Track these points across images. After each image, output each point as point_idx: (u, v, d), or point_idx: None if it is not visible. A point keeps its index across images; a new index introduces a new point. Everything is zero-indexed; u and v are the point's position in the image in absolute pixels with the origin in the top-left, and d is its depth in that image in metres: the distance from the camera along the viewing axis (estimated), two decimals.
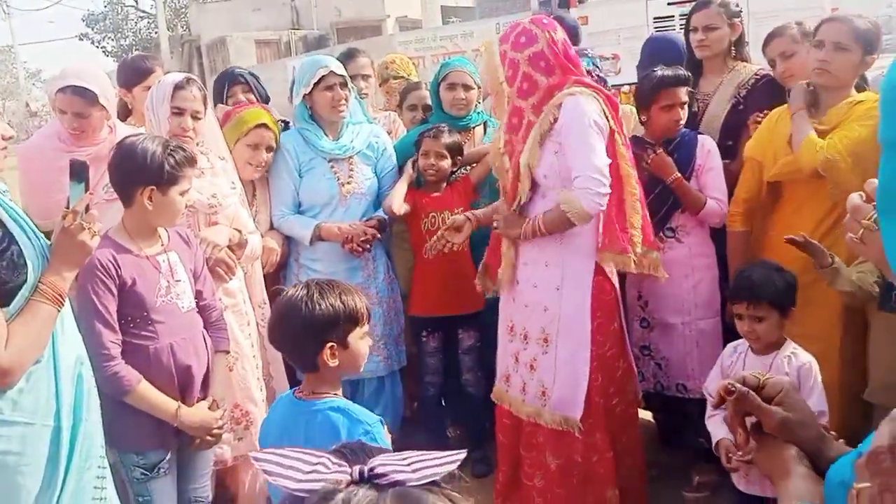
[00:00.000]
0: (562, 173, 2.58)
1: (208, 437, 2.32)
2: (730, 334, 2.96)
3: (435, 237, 3.11)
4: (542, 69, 2.60)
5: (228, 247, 2.71)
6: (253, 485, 2.88)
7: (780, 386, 1.15)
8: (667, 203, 3.00)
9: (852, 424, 2.41)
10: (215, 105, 3.41)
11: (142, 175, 2.17)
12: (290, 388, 2.93)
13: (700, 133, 3.09)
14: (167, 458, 2.27)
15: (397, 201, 3.14)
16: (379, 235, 3.17)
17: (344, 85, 3.11)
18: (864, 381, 2.65)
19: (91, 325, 2.08)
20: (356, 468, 0.70)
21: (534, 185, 2.65)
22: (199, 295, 2.38)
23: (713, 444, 2.31)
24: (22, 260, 1.72)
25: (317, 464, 0.71)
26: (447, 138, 3.16)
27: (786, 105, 2.78)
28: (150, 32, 29.74)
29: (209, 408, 2.33)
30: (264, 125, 3.05)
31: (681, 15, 6.96)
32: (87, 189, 1.89)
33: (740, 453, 2.09)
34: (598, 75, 3.15)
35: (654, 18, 8.58)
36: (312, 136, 3.16)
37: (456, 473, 0.72)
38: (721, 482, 3.07)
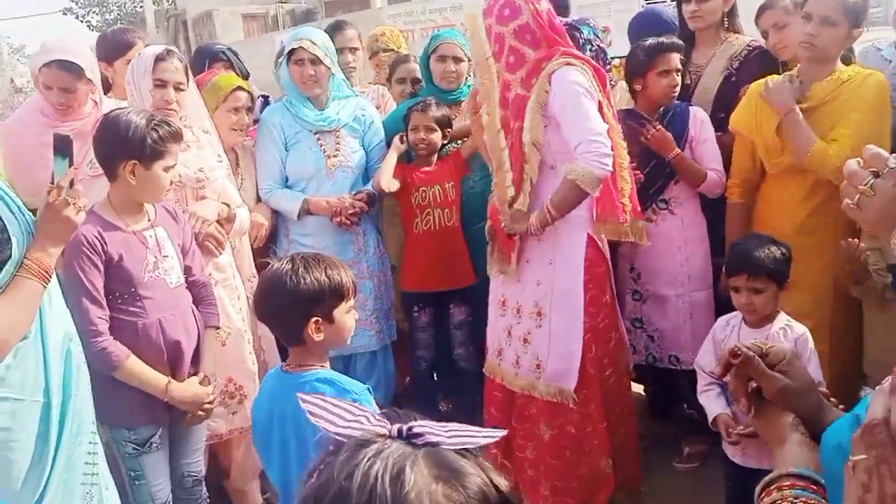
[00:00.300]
0: (553, 146, 2.56)
1: (200, 412, 2.32)
2: (720, 306, 2.99)
3: None
4: (528, 42, 2.58)
5: (217, 221, 2.69)
6: (246, 459, 2.88)
7: (782, 354, 1.16)
8: (662, 175, 2.99)
9: (842, 400, 2.44)
10: None
11: (124, 148, 2.14)
12: (282, 360, 2.95)
13: (691, 105, 3.08)
14: (158, 433, 2.27)
15: (386, 178, 3.11)
16: (367, 209, 3.15)
17: (315, 62, 3.06)
18: (853, 359, 2.68)
19: (78, 301, 2.06)
20: (396, 426, 0.72)
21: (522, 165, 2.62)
22: (188, 270, 2.36)
23: (710, 420, 2.32)
24: (6, 236, 1.70)
25: (360, 416, 0.75)
26: (435, 111, 3.13)
27: (771, 77, 2.76)
28: (135, 6, 29.24)
29: (200, 383, 2.32)
30: (239, 87, 3.04)
31: None
32: (70, 164, 1.86)
33: (741, 427, 2.14)
34: (598, 45, 3.11)
35: None
36: (297, 108, 3.13)
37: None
38: (710, 453, 3.11)
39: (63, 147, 1.86)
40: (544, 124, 2.56)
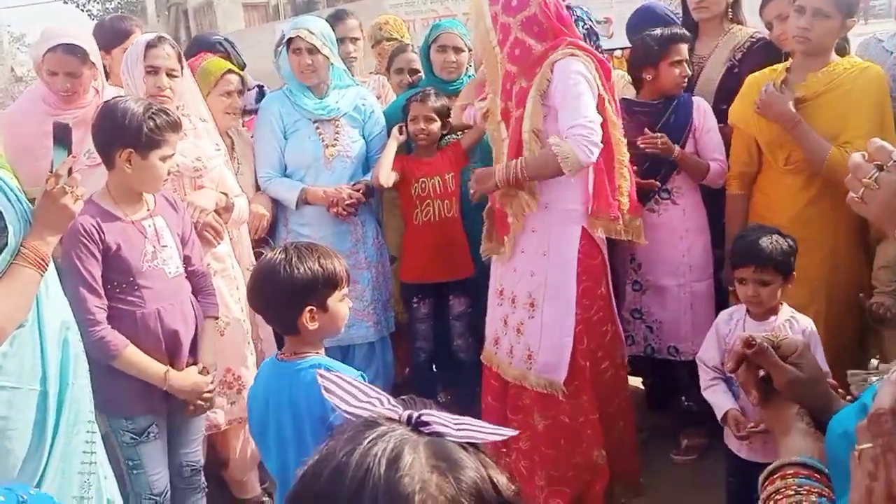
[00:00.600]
0: (550, 137, 2.55)
1: (200, 402, 2.32)
2: (720, 298, 2.99)
3: None
4: (534, 34, 2.56)
5: (215, 210, 2.68)
6: (244, 450, 2.89)
7: (794, 346, 1.15)
8: (665, 165, 2.98)
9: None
10: None
11: (120, 136, 2.13)
12: (279, 349, 2.95)
13: (693, 95, 3.07)
14: (156, 422, 2.27)
15: (384, 172, 3.09)
16: (364, 200, 3.14)
17: (312, 51, 3.05)
18: (850, 350, 2.68)
19: (76, 290, 2.06)
20: (407, 412, 0.73)
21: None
22: (187, 260, 2.36)
23: (719, 416, 2.31)
24: (2, 224, 1.69)
25: (374, 398, 0.77)
26: (435, 102, 3.12)
27: (771, 67, 2.76)
28: None
29: (199, 373, 2.32)
30: (229, 71, 3.04)
31: None
32: (69, 152, 1.86)
33: (752, 424, 2.14)
34: (590, 26, 3.09)
35: None
36: (297, 97, 3.12)
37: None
38: (709, 445, 3.11)
39: (62, 136, 1.85)
40: (544, 114, 2.55)
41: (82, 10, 30.22)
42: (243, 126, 3.40)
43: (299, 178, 3.15)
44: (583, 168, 2.50)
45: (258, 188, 3.19)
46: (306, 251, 1.78)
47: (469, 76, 3.40)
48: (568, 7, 2.90)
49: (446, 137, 3.27)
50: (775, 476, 1.04)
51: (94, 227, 2.12)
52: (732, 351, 1.17)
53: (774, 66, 2.77)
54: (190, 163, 2.63)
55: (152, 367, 2.20)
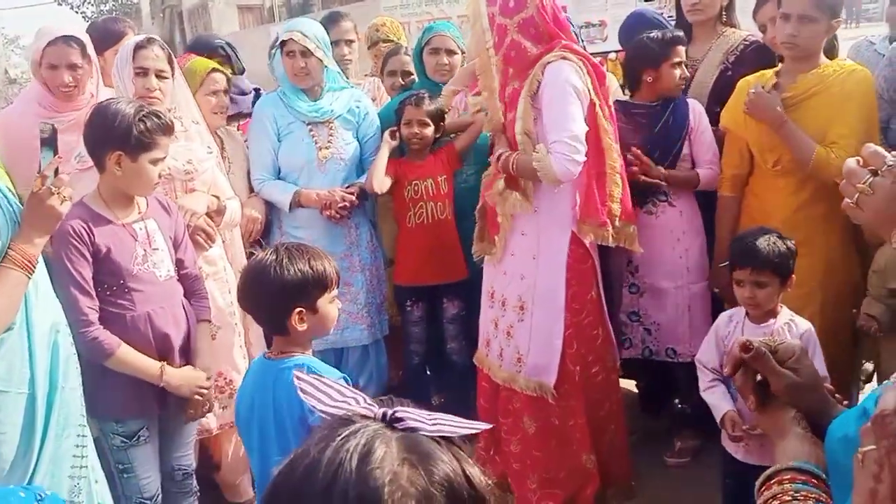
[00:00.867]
0: (539, 137, 2.56)
1: (197, 397, 2.29)
2: (717, 299, 2.99)
3: None
4: (531, 36, 2.56)
5: (207, 214, 2.67)
6: (237, 453, 2.88)
7: (791, 351, 1.15)
8: (662, 167, 2.98)
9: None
10: None
11: (109, 138, 2.12)
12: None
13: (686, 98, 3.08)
14: (147, 426, 2.25)
15: (377, 178, 3.08)
16: (357, 202, 3.13)
17: (306, 54, 3.04)
18: (844, 353, 2.68)
19: (67, 291, 2.05)
20: (381, 410, 0.73)
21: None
22: (179, 263, 2.35)
23: (717, 418, 2.31)
24: None
25: (350, 397, 0.77)
26: (429, 106, 3.11)
27: (762, 72, 2.77)
28: None
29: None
30: (214, 69, 3.04)
31: None
32: (55, 153, 1.84)
33: (746, 427, 2.14)
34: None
35: None
36: (291, 99, 3.12)
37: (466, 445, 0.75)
38: (702, 448, 3.11)
39: (48, 137, 1.84)
40: (534, 116, 2.56)
41: (77, 12, 30.14)
42: (238, 129, 3.40)
43: (293, 181, 3.14)
44: (559, 183, 2.51)
45: (251, 189, 3.18)
46: (297, 252, 1.78)
47: None
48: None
49: (439, 140, 3.27)
50: (772, 481, 1.04)
51: (84, 228, 2.11)
52: (730, 355, 1.17)
53: (765, 71, 2.78)
54: (181, 166, 2.62)
55: (147, 366, 2.19)
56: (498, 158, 2.67)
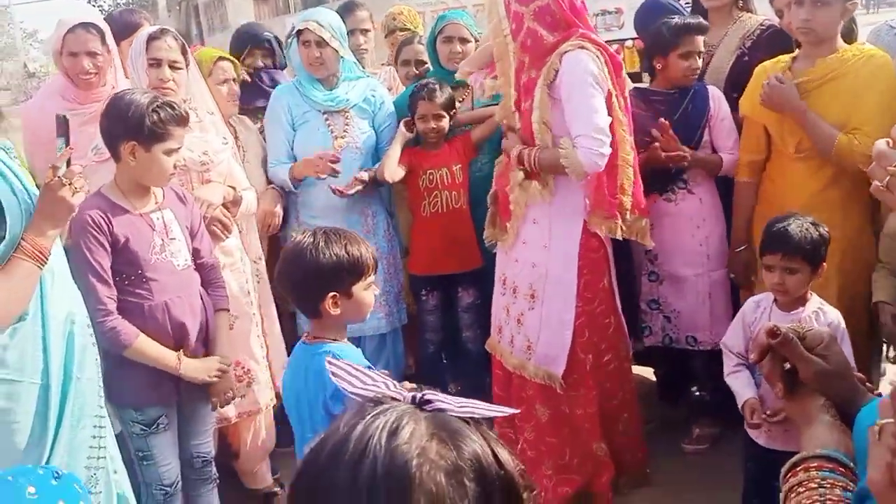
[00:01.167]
0: (555, 129, 2.56)
1: (215, 379, 2.29)
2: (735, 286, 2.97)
3: None
4: (547, 24, 2.54)
5: (223, 204, 2.68)
6: (255, 440, 2.90)
7: (820, 337, 1.12)
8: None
9: None
10: None
11: (123, 128, 2.13)
12: (286, 343, 2.96)
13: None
14: (166, 413, 2.27)
15: (389, 168, 3.07)
16: (364, 181, 3.08)
17: (321, 44, 3.04)
18: (861, 336, 2.66)
19: (86, 281, 2.07)
20: (410, 393, 0.75)
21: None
22: (196, 253, 2.36)
23: (739, 403, 2.28)
24: (1, 216, 1.69)
25: (380, 382, 0.79)
26: (441, 98, 3.09)
27: (779, 58, 2.74)
28: None
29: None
30: (220, 58, 3.05)
31: None
32: (67, 143, 1.85)
33: (767, 413, 2.12)
34: None
35: None
36: (306, 89, 3.13)
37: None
38: (720, 435, 3.09)
39: (61, 128, 1.85)
40: (550, 105, 2.54)
41: (93, 5, 30.32)
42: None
43: None
44: (586, 176, 2.52)
45: (267, 180, 3.19)
46: (334, 236, 1.79)
47: None
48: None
49: (455, 130, 3.25)
50: (798, 468, 1.02)
51: (103, 219, 2.12)
52: (756, 342, 1.14)
53: (781, 57, 2.75)
54: (197, 157, 2.63)
55: (164, 355, 2.21)
56: (518, 156, 2.65)
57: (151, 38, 2.59)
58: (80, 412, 1.86)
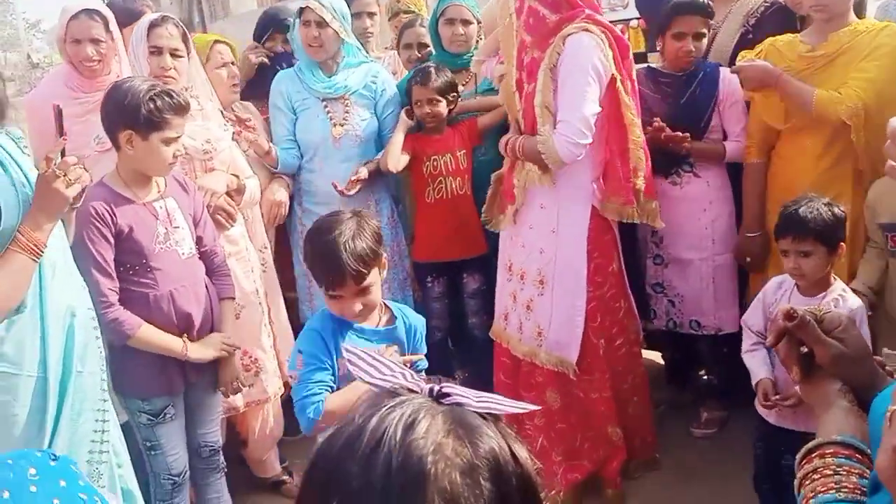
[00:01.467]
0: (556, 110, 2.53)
1: (223, 353, 2.31)
2: (743, 270, 2.94)
3: None
4: (548, 4, 2.52)
5: (227, 193, 2.67)
6: (263, 429, 2.91)
7: (838, 320, 1.09)
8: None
9: None
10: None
11: (120, 116, 2.11)
12: (293, 330, 2.95)
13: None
14: (173, 403, 2.27)
15: (392, 157, 3.04)
16: (365, 178, 3.06)
17: (321, 24, 3.00)
18: (872, 316, 2.63)
19: (88, 272, 2.06)
20: (428, 385, 0.73)
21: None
22: (199, 241, 2.35)
23: (753, 381, 2.27)
24: None
25: (398, 372, 0.77)
26: (436, 82, 3.04)
27: (778, 37, 2.72)
28: None
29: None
30: (216, 41, 3.03)
31: None
32: (60, 134, 1.83)
33: (777, 396, 2.11)
34: None
35: None
36: (306, 75, 3.10)
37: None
38: (728, 418, 3.09)
39: (56, 119, 1.83)
40: (553, 88, 2.51)
41: None
42: None
43: (309, 157, 3.13)
44: (563, 165, 2.49)
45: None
46: (367, 225, 1.91)
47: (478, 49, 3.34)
48: None
49: (458, 117, 3.21)
50: (814, 454, 1.00)
51: (107, 210, 2.11)
52: (773, 324, 1.11)
53: (782, 36, 2.73)
54: (199, 145, 2.61)
55: (170, 342, 2.20)
56: (505, 144, 2.65)
57: (152, 26, 2.57)
58: (81, 406, 1.84)
